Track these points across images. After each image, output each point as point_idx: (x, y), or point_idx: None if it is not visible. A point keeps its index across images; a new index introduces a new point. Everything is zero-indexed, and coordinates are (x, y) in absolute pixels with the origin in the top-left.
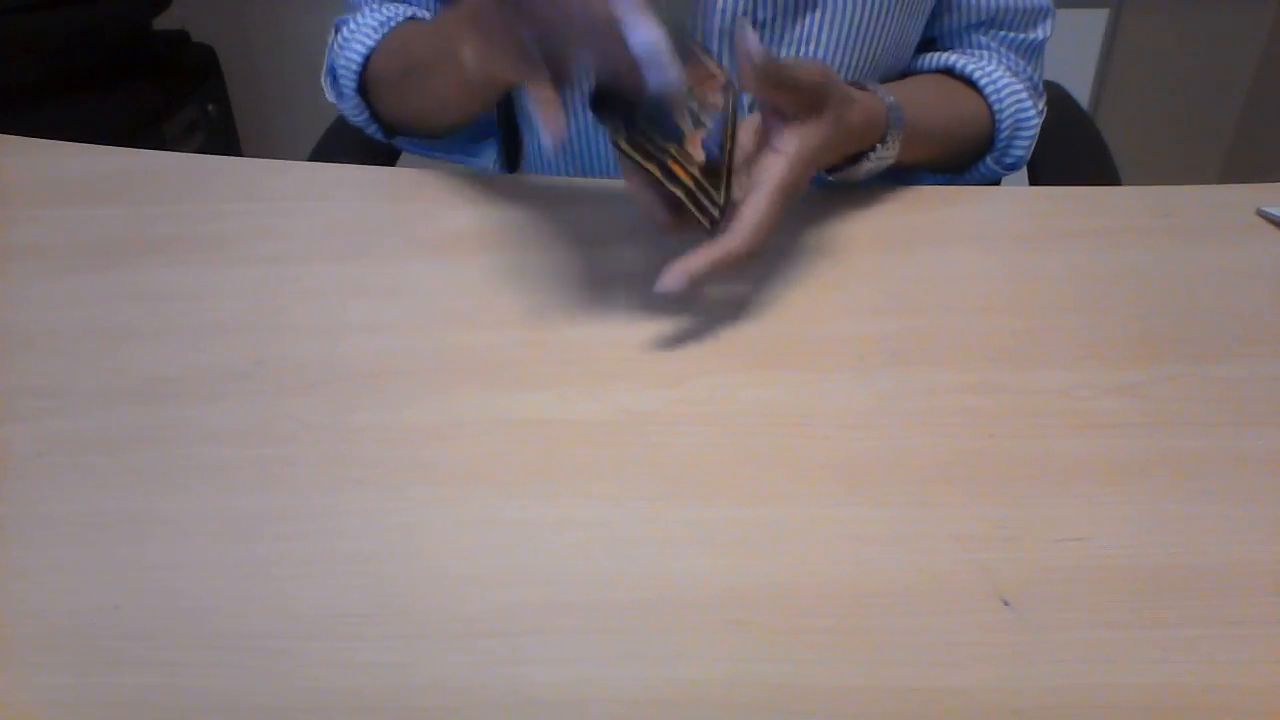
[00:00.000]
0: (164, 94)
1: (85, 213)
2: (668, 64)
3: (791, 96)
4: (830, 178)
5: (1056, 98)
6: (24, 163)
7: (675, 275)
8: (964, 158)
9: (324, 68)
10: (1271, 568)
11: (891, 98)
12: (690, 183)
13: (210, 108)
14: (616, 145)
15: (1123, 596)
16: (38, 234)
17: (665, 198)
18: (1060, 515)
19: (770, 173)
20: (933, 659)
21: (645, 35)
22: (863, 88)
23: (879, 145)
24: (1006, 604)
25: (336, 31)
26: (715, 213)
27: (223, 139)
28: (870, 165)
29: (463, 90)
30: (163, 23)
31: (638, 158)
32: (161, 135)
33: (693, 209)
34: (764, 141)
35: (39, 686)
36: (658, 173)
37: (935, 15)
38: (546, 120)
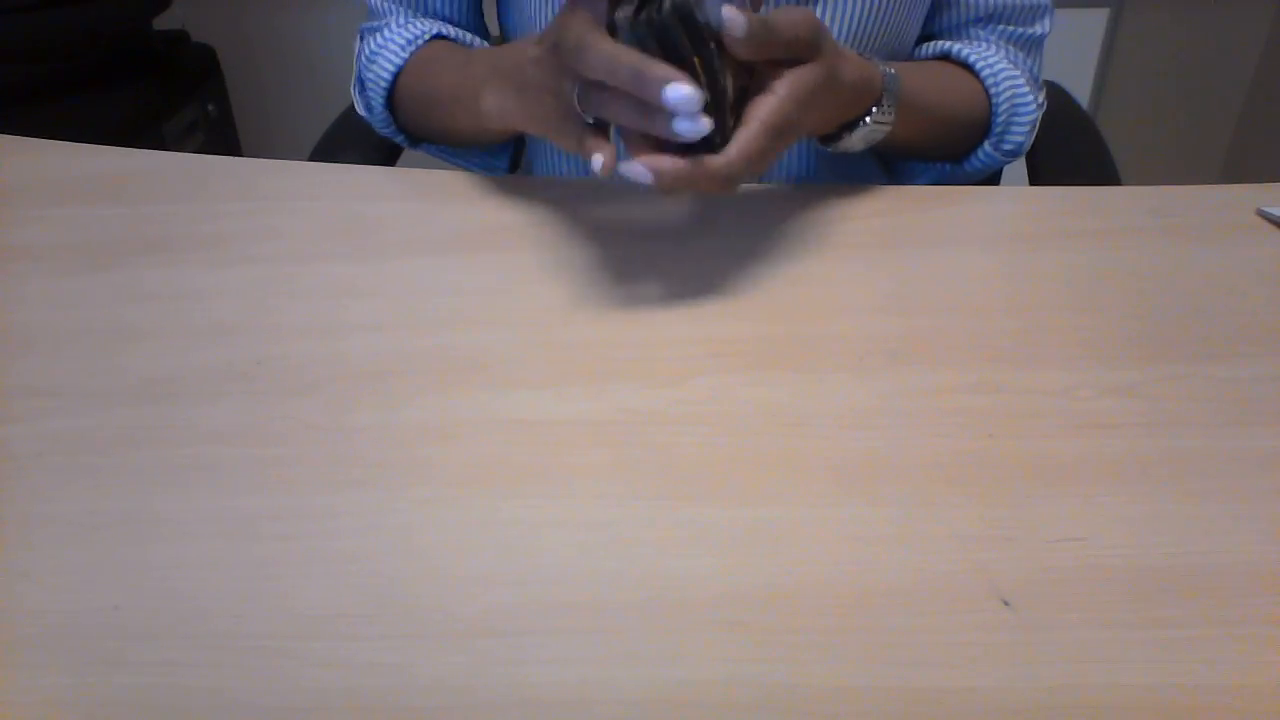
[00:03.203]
0: (164, 94)
1: (85, 213)
2: (699, 116)
3: (783, 50)
4: (828, 148)
5: (1056, 98)
6: (24, 163)
7: (641, 166)
8: (962, 142)
9: (353, 77)
10: (1271, 568)
11: (887, 67)
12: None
13: (210, 108)
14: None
15: (1122, 596)
16: (38, 234)
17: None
18: (1060, 515)
19: (761, 110)
20: (933, 659)
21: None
22: (859, 55)
23: (875, 109)
24: (1006, 604)
25: (362, 39)
26: (716, 137)
27: (223, 139)
28: (866, 131)
29: (480, 132)
30: (163, 23)
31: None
32: (161, 135)
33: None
34: (757, 85)
35: (39, 686)
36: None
37: (934, 11)
38: (598, 158)
